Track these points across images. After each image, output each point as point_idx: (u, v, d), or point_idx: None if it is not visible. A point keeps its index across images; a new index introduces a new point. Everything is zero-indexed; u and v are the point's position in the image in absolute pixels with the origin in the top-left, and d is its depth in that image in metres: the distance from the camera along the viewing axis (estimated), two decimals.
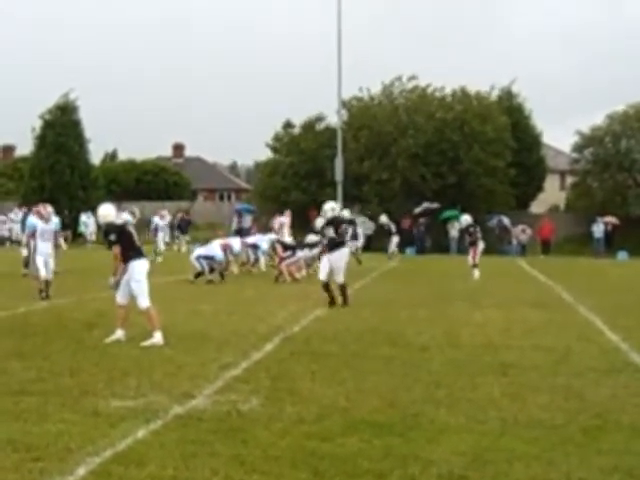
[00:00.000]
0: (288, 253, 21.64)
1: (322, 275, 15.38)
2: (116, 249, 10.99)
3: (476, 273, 22.60)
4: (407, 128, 41.92)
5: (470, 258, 23.34)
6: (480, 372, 8.97)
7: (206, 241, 23.92)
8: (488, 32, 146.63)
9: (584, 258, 37.02)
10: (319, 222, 18.95)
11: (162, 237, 31.16)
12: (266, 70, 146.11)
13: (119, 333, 10.88)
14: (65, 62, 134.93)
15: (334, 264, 15.32)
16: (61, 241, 28.40)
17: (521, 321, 13.47)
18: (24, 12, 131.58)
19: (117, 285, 11.09)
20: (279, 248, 22.17)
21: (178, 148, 73.02)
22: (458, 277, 22.95)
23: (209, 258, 20.86)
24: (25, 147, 51.78)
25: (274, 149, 46.27)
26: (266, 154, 47.53)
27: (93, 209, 29.75)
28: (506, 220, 40.78)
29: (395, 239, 33.23)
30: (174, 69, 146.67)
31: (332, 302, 15.13)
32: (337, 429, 6.58)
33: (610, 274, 27.22)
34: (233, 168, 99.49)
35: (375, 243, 36.54)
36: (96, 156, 55.03)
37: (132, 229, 11.31)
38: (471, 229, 23.91)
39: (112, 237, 11.02)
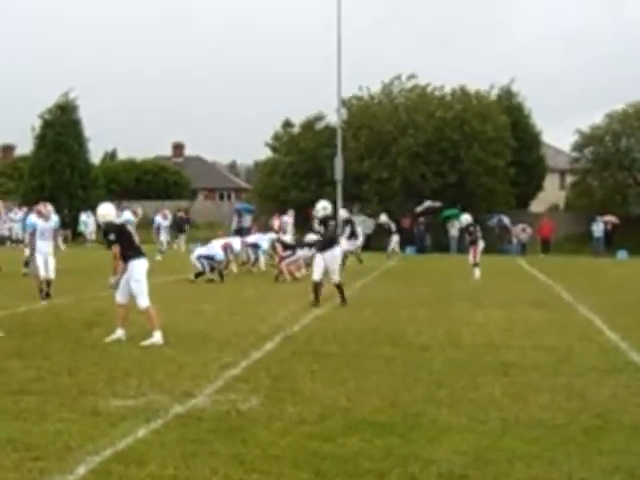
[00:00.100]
0: (288, 252, 21.64)
1: (316, 275, 15.34)
2: (115, 248, 10.98)
3: (477, 273, 22.58)
4: (407, 127, 41.92)
5: (471, 257, 23.33)
6: (481, 372, 8.96)
7: (206, 241, 23.90)
8: (489, 34, 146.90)
9: (584, 257, 37.03)
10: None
11: (165, 237, 31.15)
12: (266, 69, 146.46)
13: (119, 332, 10.87)
14: (65, 62, 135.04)
15: (327, 264, 15.30)
16: (59, 241, 28.38)
17: (522, 321, 13.46)
18: (24, 12, 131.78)
19: (117, 284, 11.08)
20: (279, 247, 22.17)
21: (178, 147, 73.01)
22: (459, 277, 22.95)
23: (210, 258, 20.87)
24: (25, 146, 51.86)
25: (273, 148, 46.27)
26: (266, 153, 47.62)
27: (93, 208, 29.72)
28: (506, 219, 40.79)
29: (395, 238, 33.23)
30: (174, 68, 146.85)
31: (316, 302, 15.07)
32: (338, 429, 6.56)
33: (610, 273, 27.22)
34: (233, 167, 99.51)
35: (375, 242, 36.53)
36: (96, 155, 55.14)
37: (132, 228, 11.31)
38: (471, 228, 23.91)
39: (111, 237, 11.01)
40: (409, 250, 38.49)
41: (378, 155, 42.13)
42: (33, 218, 16.69)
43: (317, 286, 15.20)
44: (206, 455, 5.86)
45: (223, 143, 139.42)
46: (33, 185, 45.58)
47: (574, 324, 13.30)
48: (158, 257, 28.26)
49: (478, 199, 41.57)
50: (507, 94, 47.76)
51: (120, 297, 11.03)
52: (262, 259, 24.37)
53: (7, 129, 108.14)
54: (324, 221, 15.56)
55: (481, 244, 23.54)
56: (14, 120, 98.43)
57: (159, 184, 58.84)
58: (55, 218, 16.77)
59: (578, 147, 45.66)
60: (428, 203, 40.26)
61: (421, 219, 40.86)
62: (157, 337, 10.63)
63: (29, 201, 37.89)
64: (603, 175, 44.38)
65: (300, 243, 22.93)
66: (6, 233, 39.21)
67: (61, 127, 46.01)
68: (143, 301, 10.85)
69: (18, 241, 36.49)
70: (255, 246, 24.27)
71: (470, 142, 41.75)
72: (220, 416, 6.93)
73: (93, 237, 40.52)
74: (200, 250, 21.42)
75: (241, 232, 30.98)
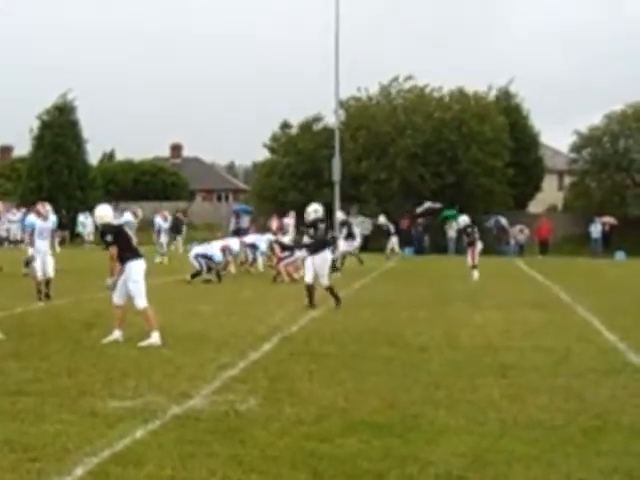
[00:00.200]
0: (286, 253, 21.64)
1: (308, 277, 15.32)
2: (113, 250, 10.98)
3: (475, 274, 22.59)
4: (405, 128, 41.92)
5: (469, 259, 23.33)
6: (480, 373, 8.96)
7: (204, 241, 23.89)
8: (488, 32, 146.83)
9: (582, 258, 37.05)
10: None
11: (165, 238, 31.10)
12: (264, 71, 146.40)
13: (117, 333, 10.86)
14: (63, 63, 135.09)
15: (317, 267, 15.28)
16: (55, 242, 28.30)
17: (521, 322, 13.46)
18: (23, 13, 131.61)
19: (114, 286, 11.07)
20: (277, 248, 22.18)
21: (176, 148, 72.97)
22: (457, 278, 22.95)
23: (207, 258, 20.88)
24: (23, 148, 51.82)
25: (271, 149, 46.26)
26: (264, 154, 47.61)
27: (91, 209, 29.69)
28: (503, 220, 40.80)
29: (394, 239, 33.25)
30: (172, 70, 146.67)
31: (311, 305, 15.05)
32: (336, 430, 6.56)
33: (608, 274, 27.23)
34: (231, 168, 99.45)
35: (373, 243, 36.54)
36: (94, 156, 55.09)
37: (132, 230, 11.32)
38: (469, 229, 23.91)
39: (109, 238, 11.01)
40: (407, 251, 38.48)
41: (376, 156, 42.13)
42: (32, 218, 16.70)
43: (310, 289, 15.20)
44: (204, 456, 5.85)
45: (221, 144, 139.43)
46: (31, 186, 45.55)
47: (572, 325, 13.30)
48: (158, 259, 28.24)
49: (476, 200, 41.57)
50: (505, 95, 47.77)
51: (117, 298, 11.02)
52: (260, 260, 24.38)
53: (5, 130, 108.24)
54: (314, 224, 15.55)
55: (479, 245, 23.54)
56: (12, 121, 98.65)
57: (157, 185, 58.81)
58: (53, 218, 16.77)
59: (576, 148, 45.68)
60: (428, 204, 40.27)
61: (419, 220, 40.87)
62: (155, 338, 10.63)
63: (27, 202, 37.86)
64: (601, 176, 44.40)
65: (298, 244, 22.92)
66: (4, 234, 39.21)
67: (59, 128, 45.99)
68: (141, 302, 10.84)
69: (16, 242, 36.47)
70: (253, 247, 24.29)
71: (468, 143, 41.75)
72: (218, 417, 6.92)
73: (91, 238, 40.48)
74: (198, 249, 21.42)
75: (239, 233, 30.94)
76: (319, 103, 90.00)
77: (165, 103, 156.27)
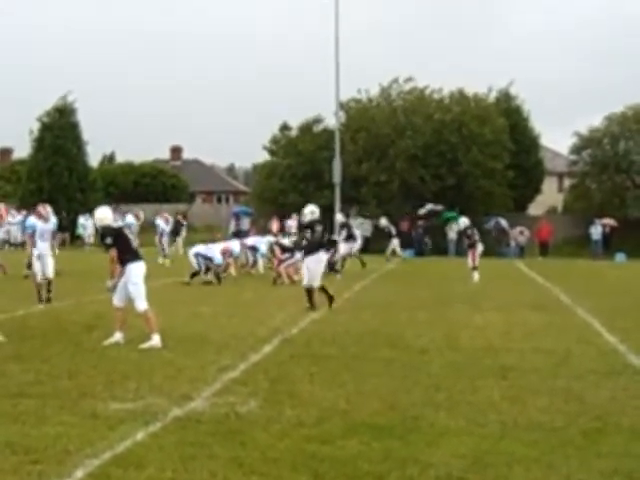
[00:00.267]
0: (286, 255, 21.65)
1: (305, 280, 15.34)
2: (113, 252, 10.99)
3: (476, 276, 22.59)
4: (405, 130, 41.92)
5: (470, 261, 23.31)
6: (480, 375, 8.96)
7: (205, 243, 23.89)
8: (486, 30, 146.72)
9: (582, 260, 37.04)
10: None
11: (167, 240, 31.05)
12: (264, 73, 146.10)
13: (117, 336, 10.87)
14: (63, 63, 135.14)
15: (310, 268, 15.29)
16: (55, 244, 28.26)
17: (521, 324, 13.47)
18: (23, 13, 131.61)
19: (114, 288, 11.09)
20: (277, 250, 22.18)
21: (176, 151, 73.04)
22: (457, 280, 22.95)
23: (208, 258, 20.91)
24: (23, 150, 51.79)
25: (271, 152, 46.25)
26: (264, 156, 47.59)
27: (91, 211, 29.65)
28: (504, 222, 40.78)
29: (395, 241, 33.27)
30: (172, 72, 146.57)
31: (312, 307, 15.06)
32: (337, 431, 6.57)
33: (608, 276, 27.23)
34: (231, 170, 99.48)
35: (374, 245, 36.54)
36: (94, 158, 55.09)
37: (134, 232, 11.34)
38: (469, 231, 23.90)
39: (108, 240, 11.02)
40: (407, 253, 38.48)
41: (376, 158, 42.13)
42: (32, 219, 16.72)
43: (309, 291, 15.21)
44: (205, 458, 5.86)
45: (221, 146, 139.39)
46: (31, 188, 45.54)
47: (573, 327, 13.31)
48: (160, 260, 28.14)
49: (476, 202, 41.57)
50: (505, 97, 47.79)
51: (117, 300, 11.03)
52: (260, 262, 24.40)
53: (5, 132, 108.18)
54: (311, 225, 15.55)
55: (480, 247, 23.53)
56: (12, 123, 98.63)
57: (157, 187, 58.85)
58: (53, 220, 16.79)
59: (576, 150, 45.68)
60: (430, 206, 40.25)
61: (420, 222, 40.87)
62: (156, 340, 10.64)
63: (27, 204, 37.86)
64: (601, 178, 44.38)
65: (299, 246, 22.93)
66: (4, 236, 39.18)
67: (59, 130, 45.99)
68: (141, 304, 10.85)
69: (16, 244, 36.46)
70: (253, 249, 24.31)
71: (468, 145, 41.76)
72: (219, 419, 6.93)
73: (92, 240, 40.48)
74: (199, 248, 21.44)
75: (239, 235, 30.93)
76: (319, 105, 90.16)
77: (165, 105, 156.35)
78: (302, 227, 15.84)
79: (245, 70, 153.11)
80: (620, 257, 38.44)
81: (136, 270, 10.97)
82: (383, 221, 34.16)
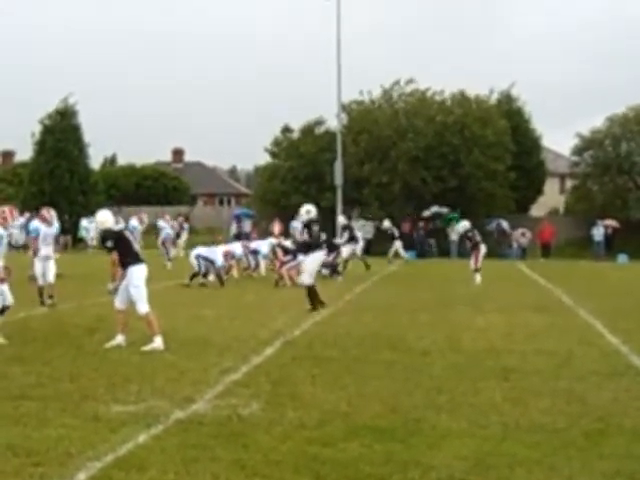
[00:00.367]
0: (288, 257, 21.64)
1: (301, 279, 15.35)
2: (114, 255, 11.00)
3: (478, 277, 22.56)
4: (407, 131, 41.93)
5: (472, 263, 23.26)
6: (482, 377, 8.96)
7: (207, 245, 23.89)
8: (488, 32, 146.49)
9: (584, 261, 37.03)
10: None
11: (170, 244, 30.90)
12: (264, 73, 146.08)
13: (119, 338, 10.88)
14: (63, 63, 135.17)
15: (306, 265, 15.29)
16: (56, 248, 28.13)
17: (523, 325, 13.46)
18: (23, 13, 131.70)
19: (116, 290, 11.10)
20: (279, 252, 22.18)
21: (177, 153, 73.12)
22: (459, 281, 22.94)
23: (209, 260, 20.91)
24: (25, 152, 51.84)
25: (273, 154, 46.25)
26: (266, 159, 47.60)
27: (93, 214, 29.64)
28: (505, 224, 40.77)
29: (398, 243, 33.29)
30: (173, 74, 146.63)
31: (313, 307, 15.06)
32: (338, 434, 6.56)
33: (610, 277, 27.23)
34: (233, 172, 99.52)
35: (376, 247, 36.53)
36: (95, 161, 55.07)
37: (137, 235, 11.34)
38: (469, 234, 23.83)
39: (109, 243, 11.03)
40: (409, 254, 38.48)
41: (378, 159, 42.13)
42: (36, 223, 16.73)
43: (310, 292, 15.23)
44: (207, 460, 5.86)
45: (223, 148, 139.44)
46: (33, 191, 45.55)
47: (575, 328, 13.30)
48: (168, 265, 27.69)
49: (478, 203, 41.58)
50: (507, 98, 47.81)
51: (119, 303, 11.03)
52: (262, 264, 24.38)
53: (7, 135, 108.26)
54: (308, 225, 15.54)
55: (483, 249, 23.44)
56: (13, 125, 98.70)
57: (159, 190, 58.91)
58: (56, 224, 16.82)
59: (578, 151, 45.67)
60: (435, 208, 40.25)
61: (420, 224, 40.89)
62: (158, 342, 10.64)
63: (29, 207, 37.85)
64: (603, 179, 44.35)
65: (299, 246, 22.92)
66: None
67: (61, 133, 45.98)
68: (142, 307, 10.85)
69: (17, 247, 36.45)
70: (255, 252, 24.29)
71: (470, 146, 41.76)
72: (221, 421, 6.93)
73: (94, 243, 40.45)
74: (200, 249, 21.44)
75: (240, 237, 30.89)
76: (321, 106, 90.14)
77: (167, 108, 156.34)
78: (303, 226, 15.81)
79: (245, 70, 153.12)
80: (622, 258, 38.41)
81: (137, 273, 10.97)
82: (386, 223, 34.16)
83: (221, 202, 68.01)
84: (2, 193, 53.88)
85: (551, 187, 53.26)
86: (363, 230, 34.65)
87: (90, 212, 38.24)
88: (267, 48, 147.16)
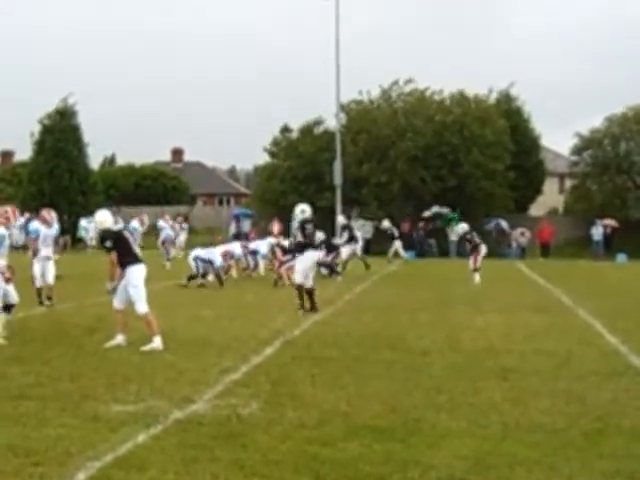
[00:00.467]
0: (287, 257, 21.63)
1: (307, 282, 15.31)
2: (113, 255, 10.99)
3: (477, 277, 22.56)
4: (406, 131, 41.93)
5: (471, 263, 23.26)
6: (481, 376, 8.96)
7: (207, 246, 23.87)
8: (487, 32, 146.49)
9: (583, 261, 37.04)
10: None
11: (170, 244, 30.88)
12: (264, 73, 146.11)
13: (119, 338, 10.88)
14: (63, 63, 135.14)
15: (298, 264, 15.29)
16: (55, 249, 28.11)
17: (522, 325, 13.46)
18: (24, 14, 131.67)
19: (114, 290, 11.10)
20: (278, 252, 22.18)
21: (177, 153, 73.08)
22: (459, 281, 22.94)
23: (207, 262, 20.91)
24: (24, 152, 51.81)
25: (272, 154, 46.25)
26: (265, 158, 47.60)
27: (92, 214, 29.62)
28: (504, 223, 40.78)
29: (398, 243, 33.29)
30: (173, 74, 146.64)
31: (313, 307, 15.06)
32: (338, 434, 6.57)
33: (609, 277, 27.23)
34: (232, 172, 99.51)
35: (375, 247, 36.54)
36: (95, 161, 55.05)
37: (138, 237, 11.34)
38: (468, 236, 23.81)
39: (108, 243, 11.03)
40: (409, 254, 38.48)
41: (377, 159, 42.14)
42: (36, 224, 16.73)
43: (309, 292, 15.21)
44: (206, 460, 5.86)
45: (223, 149, 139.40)
46: (32, 191, 45.54)
47: (574, 328, 13.31)
48: (167, 265, 27.71)
49: (477, 203, 41.61)
50: (506, 98, 47.80)
51: (118, 303, 11.03)
52: (261, 264, 24.38)
53: (6, 135, 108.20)
54: (302, 225, 15.53)
55: (483, 249, 23.41)
56: (13, 125, 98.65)
57: (158, 190, 58.88)
58: (56, 225, 16.82)
59: (577, 150, 45.68)
60: (436, 209, 40.25)
61: (420, 224, 40.89)
62: (157, 342, 10.64)
63: (28, 207, 37.82)
64: (602, 179, 44.36)
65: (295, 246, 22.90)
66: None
67: (60, 132, 45.96)
68: (142, 307, 10.85)
69: (17, 247, 36.42)
70: (254, 253, 24.28)
71: (469, 146, 41.76)
72: (220, 421, 6.93)
73: (94, 243, 40.44)
74: (198, 251, 21.44)
75: (239, 237, 30.87)
76: (320, 106, 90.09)
77: (165, 105, 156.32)
78: (297, 226, 15.76)
79: (245, 70, 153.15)
80: (621, 258, 38.42)
81: (136, 273, 10.97)
82: (386, 223, 34.15)
83: (220, 202, 67.99)
84: (1, 193, 53.88)
85: (550, 187, 53.26)
86: (362, 230, 34.65)
87: (89, 212, 38.22)
88: (267, 48, 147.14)
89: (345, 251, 25.38)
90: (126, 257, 11.00)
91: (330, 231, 29.11)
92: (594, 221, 41.21)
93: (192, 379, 8.67)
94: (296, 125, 45.92)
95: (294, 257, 21.36)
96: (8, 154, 66.26)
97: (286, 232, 28.08)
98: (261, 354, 10.30)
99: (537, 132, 48.87)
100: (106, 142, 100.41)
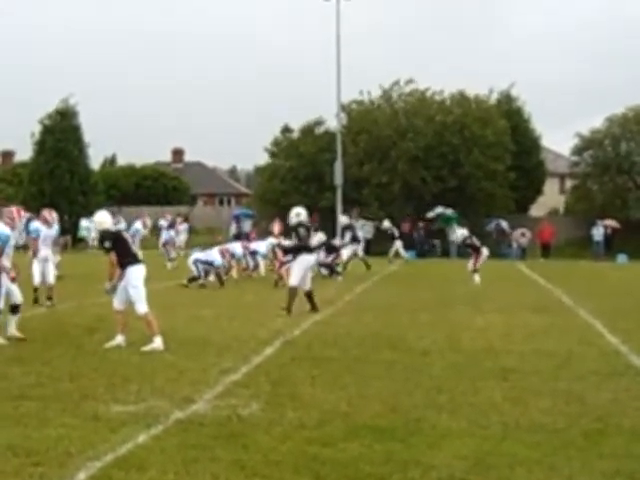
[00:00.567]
0: (288, 257, 21.60)
1: (304, 285, 15.30)
2: (112, 256, 11.00)
3: (477, 278, 22.54)
4: (406, 131, 41.95)
5: (470, 264, 23.23)
6: (481, 377, 8.96)
7: (206, 247, 23.87)
8: (487, 32, 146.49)
9: (584, 261, 37.05)
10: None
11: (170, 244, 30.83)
12: (264, 73, 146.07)
13: (119, 338, 10.88)
14: (63, 63, 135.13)
15: (295, 267, 15.28)
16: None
17: (522, 325, 13.46)
18: (24, 14, 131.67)
19: (113, 290, 11.09)
20: (279, 252, 22.17)
21: (177, 153, 73.08)
22: (459, 281, 22.93)
23: (207, 263, 20.92)
24: (25, 152, 51.79)
25: (272, 154, 46.24)
26: (265, 158, 47.59)
27: (93, 214, 29.60)
28: (504, 224, 40.75)
29: (398, 243, 33.27)
30: (173, 74, 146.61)
31: (313, 309, 15.04)
32: (338, 434, 6.56)
33: (610, 277, 27.24)
34: (233, 173, 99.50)
35: (375, 247, 36.54)
36: (95, 161, 55.03)
37: (139, 238, 11.35)
38: (468, 241, 23.76)
39: (107, 244, 11.03)
40: (409, 254, 38.48)
41: (378, 159, 42.14)
42: (37, 224, 16.75)
43: (308, 294, 15.21)
44: (207, 461, 5.86)
45: (223, 149, 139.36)
46: (33, 191, 45.52)
47: (574, 328, 13.31)
48: (168, 266, 27.65)
49: (478, 203, 41.62)
50: (506, 98, 47.82)
51: (117, 303, 11.04)
52: (262, 264, 24.37)
53: (6, 135, 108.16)
54: (296, 228, 15.51)
55: (485, 252, 23.34)
56: (13, 125, 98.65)
57: (159, 190, 58.87)
58: (56, 226, 16.83)
59: (578, 151, 45.69)
60: (439, 209, 40.23)
61: (420, 224, 40.89)
62: (157, 343, 10.64)
63: (29, 207, 37.78)
64: (603, 179, 44.37)
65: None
66: None
67: (61, 133, 45.95)
68: (142, 307, 10.85)
69: (17, 247, 36.41)
70: (254, 253, 24.26)
71: (470, 146, 41.77)
72: (221, 421, 6.93)
73: (95, 243, 40.42)
74: (198, 254, 21.44)
75: (240, 238, 30.84)
76: (321, 106, 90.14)
77: (165, 105, 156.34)
78: (292, 229, 15.73)
79: (245, 70, 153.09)
80: (622, 258, 38.42)
81: (136, 273, 10.97)
82: (386, 223, 34.15)
83: (221, 202, 67.99)
84: (2, 193, 53.87)
85: (551, 187, 53.26)
86: (363, 230, 34.66)
87: (90, 212, 38.22)
88: (267, 48, 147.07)
89: (346, 252, 25.37)
90: (125, 257, 11.00)
91: (331, 231, 29.12)
92: (595, 221, 41.20)
93: (192, 379, 8.67)
94: (297, 125, 45.99)
95: (294, 258, 21.46)
96: (8, 154, 66.24)
97: (287, 232, 28.17)
98: (261, 354, 10.30)
99: (537, 132, 48.94)
100: (107, 142, 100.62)
